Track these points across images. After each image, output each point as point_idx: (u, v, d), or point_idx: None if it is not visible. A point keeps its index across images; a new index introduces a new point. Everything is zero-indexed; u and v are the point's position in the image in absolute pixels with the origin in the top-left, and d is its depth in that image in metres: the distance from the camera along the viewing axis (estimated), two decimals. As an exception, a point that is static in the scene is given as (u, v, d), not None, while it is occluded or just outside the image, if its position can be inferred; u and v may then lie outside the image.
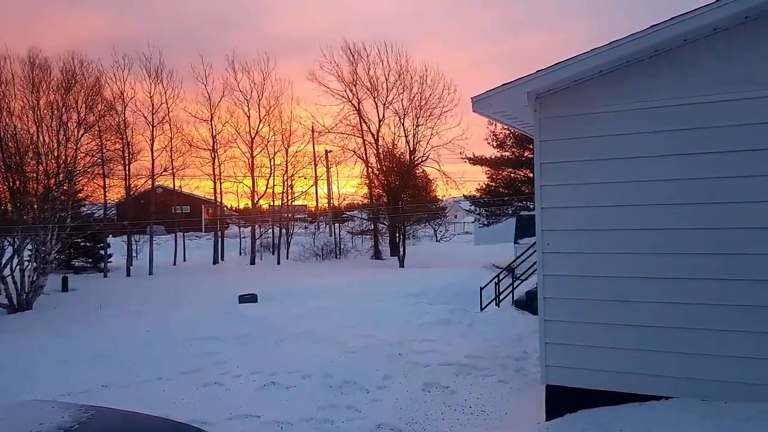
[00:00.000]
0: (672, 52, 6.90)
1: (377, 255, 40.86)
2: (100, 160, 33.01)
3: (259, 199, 43.29)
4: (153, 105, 37.90)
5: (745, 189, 6.62)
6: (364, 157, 41.71)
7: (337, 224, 48.33)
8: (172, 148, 39.18)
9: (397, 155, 40.91)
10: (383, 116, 40.72)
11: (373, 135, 41.00)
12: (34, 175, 25.56)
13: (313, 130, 44.13)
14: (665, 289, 6.99)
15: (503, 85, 7.41)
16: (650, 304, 7.07)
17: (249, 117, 40.77)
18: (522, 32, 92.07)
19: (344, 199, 52.72)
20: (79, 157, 29.01)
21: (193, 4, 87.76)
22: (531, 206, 30.70)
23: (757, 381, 6.59)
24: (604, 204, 7.29)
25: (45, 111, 27.70)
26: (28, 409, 4.37)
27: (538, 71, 7.18)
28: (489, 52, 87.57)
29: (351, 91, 40.49)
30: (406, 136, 40.10)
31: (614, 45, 6.79)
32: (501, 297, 18.52)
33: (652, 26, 6.62)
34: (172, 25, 75.59)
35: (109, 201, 37.82)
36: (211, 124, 40.34)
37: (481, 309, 17.61)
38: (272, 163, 42.28)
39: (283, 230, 43.47)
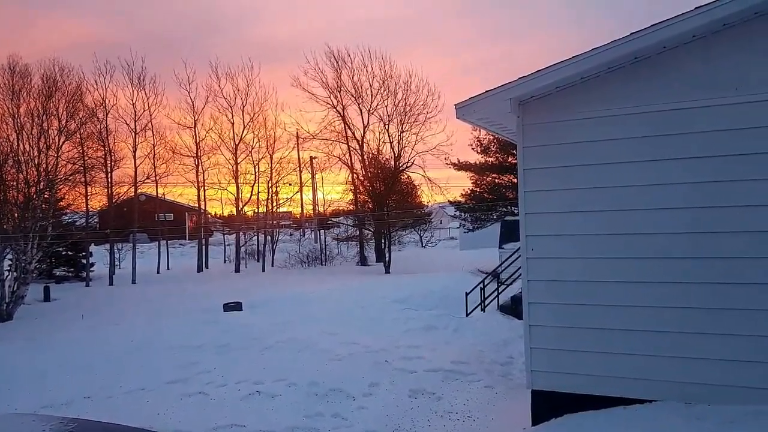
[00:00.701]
0: (652, 59, 6.96)
1: (363, 261, 40.82)
2: (81, 168, 32.77)
3: (243, 206, 43.15)
4: (135, 112, 37.66)
5: (725, 193, 6.68)
6: (349, 163, 41.70)
7: (322, 231, 48.28)
8: (155, 155, 38.96)
9: (382, 161, 40.88)
10: (368, 122, 40.74)
11: (357, 141, 41.00)
12: (15, 183, 25.35)
13: (297, 137, 44.07)
14: (649, 293, 7.03)
15: (486, 92, 7.44)
16: (634, 308, 7.10)
17: (233, 123, 40.65)
18: (507, 39, 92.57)
19: (329, 206, 52.60)
20: (60, 165, 28.80)
21: (177, 10, 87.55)
22: (515, 211, 30.82)
23: (740, 383, 6.64)
24: (587, 209, 7.33)
25: (25, 118, 27.55)
26: (7, 423, 4.31)
27: (520, 78, 7.22)
28: (475, 58, 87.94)
29: (335, 97, 40.47)
30: (391, 142, 40.12)
31: (595, 52, 6.84)
32: (486, 302, 18.57)
33: (632, 33, 6.68)
34: (155, 31, 75.40)
35: (91, 209, 37.53)
36: (195, 131, 40.21)
37: (467, 314, 17.64)
38: (257, 169, 42.17)
39: (268, 237, 43.37)
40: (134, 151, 37.66)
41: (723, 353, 6.72)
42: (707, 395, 6.78)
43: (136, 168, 37.78)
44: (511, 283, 19.68)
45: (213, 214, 58.45)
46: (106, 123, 36.37)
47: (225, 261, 45.12)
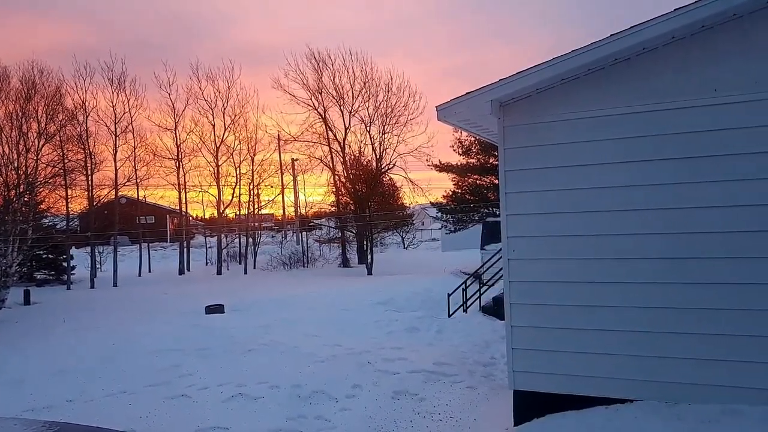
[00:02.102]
0: (631, 61, 7.03)
1: (345, 263, 40.78)
2: (61, 171, 32.51)
3: (225, 209, 42.95)
4: (115, 114, 37.36)
5: (701, 195, 6.76)
6: (331, 165, 41.64)
7: (304, 233, 48.17)
8: (135, 157, 38.67)
9: (364, 163, 40.89)
10: (349, 124, 40.69)
11: (339, 143, 40.95)
12: (-6, 186, 25.13)
13: (279, 139, 43.97)
14: (628, 293, 7.10)
15: (467, 93, 7.47)
16: (614, 309, 7.17)
17: (214, 126, 40.45)
18: (481, 45, 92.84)
19: (311, 208, 52.56)
20: (40, 168, 28.59)
21: (156, 13, 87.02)
22: (497, 212, 30.95)
23: (719, 382, 6.72)
24: (567, 210, 7.38)
25: (4, 121, 27.30)
26: (-11, 427, 4.28)
27: (501, 80, 7.26)
28: (446, 65, 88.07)
29: (316, 99, 40.38)
30: (373, 144, 40.12)
31: (575, 53, 6.90)
32: (468, 303, 18.63)
33: (612, 35, 6.74)
34: (134, 35, 74.75)
35: (72, 212, 37.14)
36: (176, 133, 39.95)
37: (449, 315, 17.68)
38: (238, 171, 42.01)
39: (250, 239, 43.22)
40: (114, 154, 37.40)
41: (700, 353, 6.80)
42: (686, 395, 6.86)
43: (116, 170, 37.54)
44: (493, 284, 19.76)
45: (194, 216, 58.18)
46: (86, 125, 36.10)
47: (207, 263, 44.89)
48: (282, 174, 48.75)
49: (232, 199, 42.70)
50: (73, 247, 37.44)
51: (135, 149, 38.63)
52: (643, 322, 7.03)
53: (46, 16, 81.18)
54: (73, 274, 35.25)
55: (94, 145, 36.78)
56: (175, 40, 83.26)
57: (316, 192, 55.29)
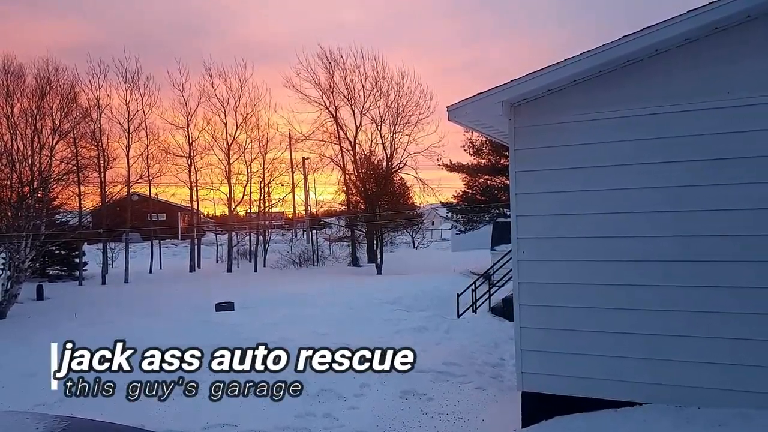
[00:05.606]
0: (644, 62, 7.00)
1: (355, 262, 40.80)
2: (75, 168, 32.67)
3: (236, 207, 43.08)
4: (129, 112, 37.51)
5: (711, 197, 6.74)
6: (342, 164, 41.65)
7: (314, 231, 48.22)
8: (148, 155, 38.82)
9: (375, 162, 40.90)
10: (360, 123, 40.67)
11: (350, 142, 40.95)
12: (8, 182, 25.25)
13: (290, 137, 44.00)
14: (638, 296, 7.07)
15: (478, 94, 7.47)
16: (624, 311, 7.15)
17: (226, 124, 40.56)
18: (488, 42, 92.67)
19: (322, 206, 52.58)
20: (53, 165, 28.69)
21: (168, 12, 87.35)
22: (507, 213, 30.85)
23: (729, 386, 6.69)
24: (578, 212, 7.37)
25: (19, 118, 27.44)
26: (1, 421, 4.32)
27: (512, 80, 7.25)
28: (454, 62, 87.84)
29: (328, 98, 40.37)
30: (383, 143, 40.13)
31: (587, 55, 6.88)
32: (478, 304, 18.63)
33: (624, 36, 6.72)
34: (146, 35, 75.04)
35: (84, 208, 37.32)
36: (188, 131, 40.06)
37: (458, 316, 17.69)
38: (249, 170, 42.10)
39: (260, 237, 43.30)
40: (127, 151, 37.57)
41: (711, 356, 6.77)
42: (696, 398, 6.83)
43: (129, 168, 37.70)
44: (502, 285, 19.74)
45: (205, 214, 58.36)
46: (100, 123, 36.29)
47: (217, 261, 44.99)
48: (293, 172, 48.86)
49: (243, 197, 42.88)
50: (85, 244, 37.61)
51: (147, 147, 38.78)
52: (654, 325, 7.01)
53: (59, 15, 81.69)
54: (85, 270, 35.42)
55: (107, 143, 37.03)
56: (186, 39, 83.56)
57: (327, 191, 55.13)
